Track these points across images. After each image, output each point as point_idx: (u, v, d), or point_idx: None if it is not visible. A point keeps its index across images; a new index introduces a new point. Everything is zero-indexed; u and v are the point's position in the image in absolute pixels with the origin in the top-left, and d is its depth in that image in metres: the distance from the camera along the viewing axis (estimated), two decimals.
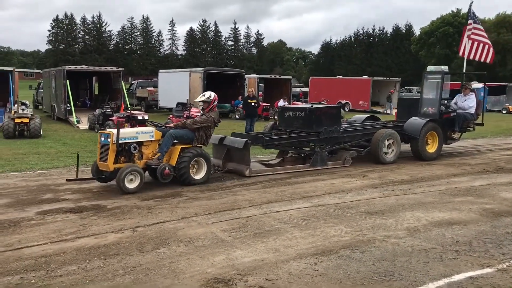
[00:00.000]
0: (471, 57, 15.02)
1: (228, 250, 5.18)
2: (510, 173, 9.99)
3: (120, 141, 7.87)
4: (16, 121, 15.80)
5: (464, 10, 75.29)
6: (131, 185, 7.73)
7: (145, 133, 8.32)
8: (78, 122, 20.19)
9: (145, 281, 4.37)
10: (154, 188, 8.15)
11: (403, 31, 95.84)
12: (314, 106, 11.57)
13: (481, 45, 14.89)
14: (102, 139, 8.08)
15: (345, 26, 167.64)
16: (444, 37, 72.56)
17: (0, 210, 6.77)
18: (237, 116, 25.67)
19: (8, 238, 5.54)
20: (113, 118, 16.33)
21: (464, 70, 15.54)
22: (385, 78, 40.15)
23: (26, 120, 15.93)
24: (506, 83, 40.41)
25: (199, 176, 8.59)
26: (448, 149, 14.00)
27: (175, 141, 8.50)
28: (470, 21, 15.08)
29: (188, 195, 7.80)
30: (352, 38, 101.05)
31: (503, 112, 36.07)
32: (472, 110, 12.30)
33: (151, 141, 8.34)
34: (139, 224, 6.14)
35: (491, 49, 14.94)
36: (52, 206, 7.00)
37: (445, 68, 12.28)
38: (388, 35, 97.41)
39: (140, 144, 8.22)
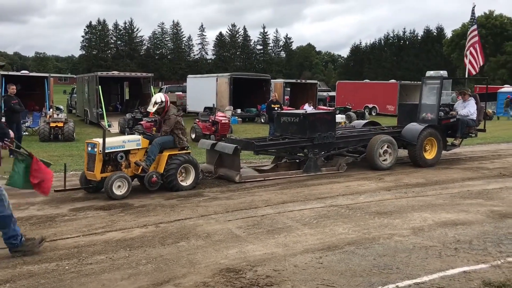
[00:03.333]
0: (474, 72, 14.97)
1: (241, 245, 5.65)
2: None
3: (106, 151, 7.93)
4: (51, 125, 16.69)
5: (497, 11, 73.97)
6: (119, 192, 7.86)
7: (132, 141, 8.37)
8: (109, 126, 21.04)
9: (165, 269, 4.87)
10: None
11: (434, 33, 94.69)
12: (309, 111, 11.52)
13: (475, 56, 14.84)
14: (89, 148, 8.11)
15: (378, 29, 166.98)
16: None
17: (38, 207, 7.43)
18: (262, 120, 26.14)
19: (45, 231, 6.16)
20: (142, 122, 17.04)
21: (466, 75, 15.48)
22: (412, 82, 39.89)
23: (61, 124, 16.80)
24: None
25: (187, 182, 8.65)
26: (469, 153, 14.14)
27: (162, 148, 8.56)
28: (474, 27, 15.05)
29: (209, 195, 8.32)
30: (382, 41, 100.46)
31: None
32: (473, 116, 12.17)
33: (138, 149, 8.39)
34: (162, 220, 6.67)
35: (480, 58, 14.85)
36: (84, 204, 7.62)
37: (444, 73, 12.28)
38: (419, 37, 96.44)
39: (127, 152, 8.29)
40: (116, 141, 8.31)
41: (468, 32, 15.11)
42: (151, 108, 8.82)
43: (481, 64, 15.00)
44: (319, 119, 10.80)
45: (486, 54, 60.56)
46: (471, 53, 14.72)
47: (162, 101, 8.76)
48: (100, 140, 7.97)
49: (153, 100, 8.88)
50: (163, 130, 8.75)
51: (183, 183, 8.64)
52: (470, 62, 14.79)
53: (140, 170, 8.33)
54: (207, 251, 5.42)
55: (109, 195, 7.81)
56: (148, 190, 8.25)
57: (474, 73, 15.01)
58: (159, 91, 34.88)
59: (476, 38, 15.00)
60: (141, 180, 8.50)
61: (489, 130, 15.07)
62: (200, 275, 4.72)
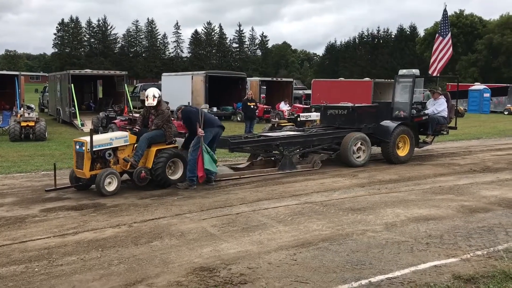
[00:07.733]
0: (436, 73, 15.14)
1: (216, 243, 5.62)
2: (495, 173, 10.36)
3: (94, 149, 7.96)
4: (22, 124, 16.29)
5: (468, 10, 75.27)
6: (110, 188, 7.92)
7: (119, 138, 8.40)
8: (82, 125, 20.69)
9: (138, 269, 4.81)
10: (152, 188, 8.56)
11: (408, 32, 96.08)
12: (356, 105, 12.37)
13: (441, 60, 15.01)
14: (77, 147, 8.13)
15: (354, 28, 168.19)
16: None
17: (7, 208, 7.25)
18: (238, 118, 26.12)
19: (14, 232, 6.01)
20: (115, 121, 16.81)
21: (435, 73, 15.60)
22: (386, 80, 40.38)
23: (32, 124, 16.42)
24: (509, 84, 40.62)
25: (176, 176, 8.71)
26: (441, 149, 14.40)
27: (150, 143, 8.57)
28: (449, 36, 15.14)
29: (184, 194, 8.25)
30: (357, 40, 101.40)
31: (505, 113, 36.18)
32: (444, 114, 12.40)
33: (126, 145, 8.43)
34: (135, 220, 6.59)
35: (442, 61, 15.03)
36: (55, 204, 7.47)
37: (416, 71, 12.46)
38: (393, 36, 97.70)
39: (115, 149, 8.31)
40: (104, 139, 8.32)
41: (446, 40, 15.11)
42: (152, 102, 8.77)
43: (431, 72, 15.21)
44: (365, 112, 11.92)
45: (457, 53, 61.88)
46: (441, 58, 14.91)
47: (159, 95, 8.85)
48: (88, 139, 7.97)
49: (150, 94, 8.81)
50: (155, 123, 8.76)
51: (172, 177, 8.67)
52: (434, 62, 14.98)
53: (128, 166, 8.35)
54: (181, 250, 5.38)
55: (100, 192, 7.83)
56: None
57: (435, 74, 15.24)
58: (134, 89, 34.51)
59: (450, 50, 15.15)
60: (130, 176, 8.52)
61: (460, 127, 15.39)
62: (174, 275, 4.68)
